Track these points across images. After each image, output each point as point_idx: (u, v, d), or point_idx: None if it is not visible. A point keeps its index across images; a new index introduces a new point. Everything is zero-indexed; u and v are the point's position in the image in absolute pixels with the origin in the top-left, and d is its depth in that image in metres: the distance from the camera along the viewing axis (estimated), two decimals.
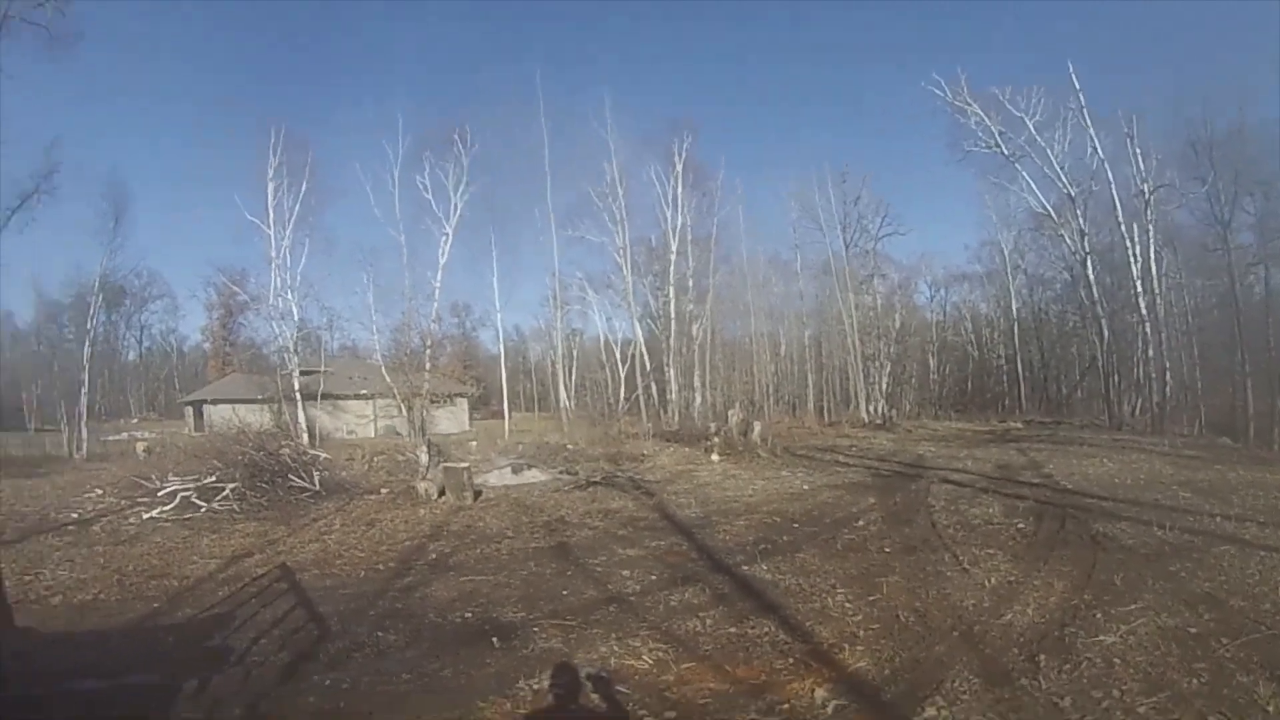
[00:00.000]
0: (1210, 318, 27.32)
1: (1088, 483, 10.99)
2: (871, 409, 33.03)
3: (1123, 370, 28.17)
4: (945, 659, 4.23)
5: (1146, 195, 25.28)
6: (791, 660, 4.33)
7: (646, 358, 31.17)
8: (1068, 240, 29.18)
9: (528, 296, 69.84)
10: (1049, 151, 27.41)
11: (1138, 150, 25.48)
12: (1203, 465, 12.76)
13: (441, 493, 11.45)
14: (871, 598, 5.54)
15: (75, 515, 10.70)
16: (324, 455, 14.93)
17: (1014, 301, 39.29)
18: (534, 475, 13.30)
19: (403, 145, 26.72)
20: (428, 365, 27.46)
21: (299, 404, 26.61)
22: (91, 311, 28.69)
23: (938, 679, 3.92)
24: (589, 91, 37.94)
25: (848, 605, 5.41)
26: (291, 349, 26.90)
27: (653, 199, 31.83)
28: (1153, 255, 25.43)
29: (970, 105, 28.50)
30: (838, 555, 7.08)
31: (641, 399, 29.76)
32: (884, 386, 35.52)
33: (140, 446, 21.77)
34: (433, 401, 27.86)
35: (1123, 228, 25.80)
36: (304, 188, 26.14)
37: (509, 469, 13.55)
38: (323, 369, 29.58)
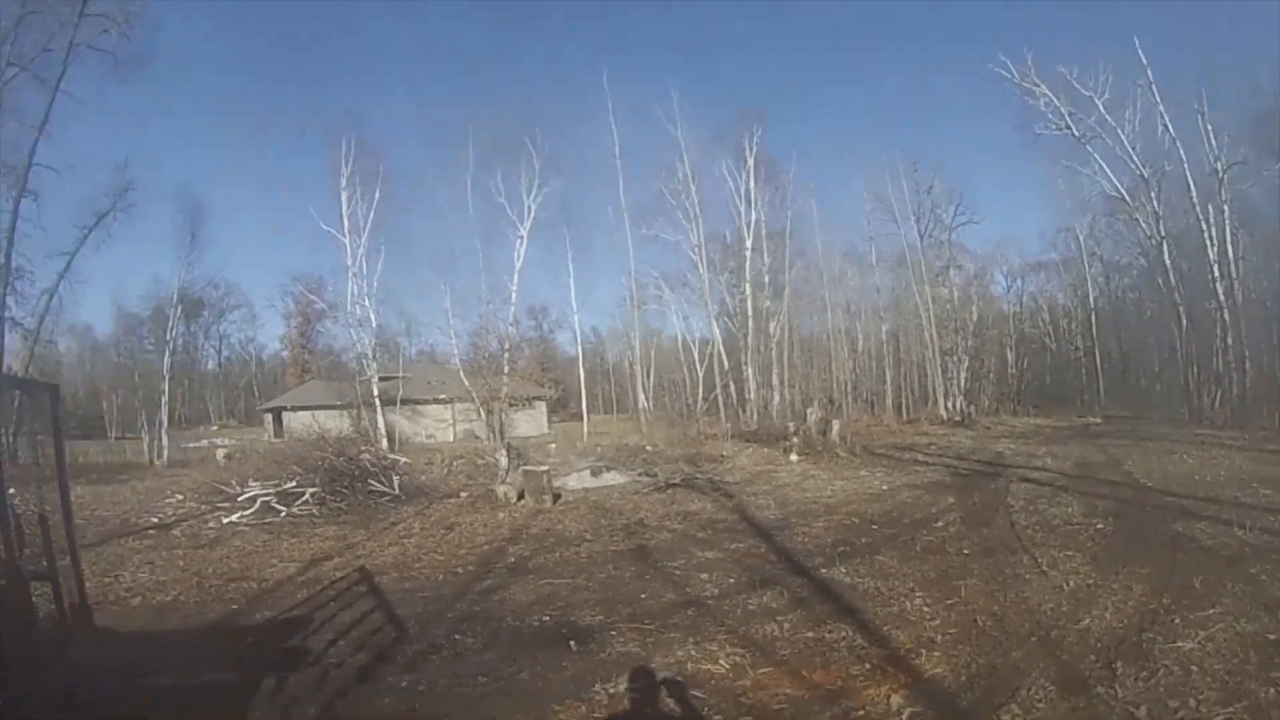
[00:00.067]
0: None
1: (1167, 480, 10.69)
2: (950, 405, 32.15)
3: (1202, 361, 26.71)
4: (1022, 665, 4.15)
5: (1220, 174, 24.02)
6: (868, 665, 4.31)
7: (724, 356, 30.63)
8: (1143, 224, 27.98)
9: (604, 297, 68.56)
10: (1119, 131, 26.34)
11: (1209, 127, 24.22)
12: None
13: (521, 496, 11.54)
14: (949, 601, 5.47)
15: (155, 520, 11.04)
16: (403, 460, 15.23)
17: (1091, 290, 37.20)
18: (613, 478, 13.38)
19: (473, 150, 27.22)
20: (505, 368, 27.87)
21: (378, 409, 27.02)
22: (171, 323, 30.01)
23: (1014, 686, 3.85)
24: (656, 87, 37.59)
25: (925, 609, 5.34)
26: (369, 355, 27.49)
27: (725, 194, 31.71)
28: (1229, 237, 24.17)
29: (1038, 86, 27.60)
30: (916, 557, 7.00)
31: (720, 399, 29.42)
32: (962, 382, 34.37)
33: (220, 453, 22.44)
34: (511, 405, 28.15)
35: (1197, 209, 24.58)
36: (377, 195, 26.75)
37: (588, 471, 13.65)
38: (401, 374, 30.06)
